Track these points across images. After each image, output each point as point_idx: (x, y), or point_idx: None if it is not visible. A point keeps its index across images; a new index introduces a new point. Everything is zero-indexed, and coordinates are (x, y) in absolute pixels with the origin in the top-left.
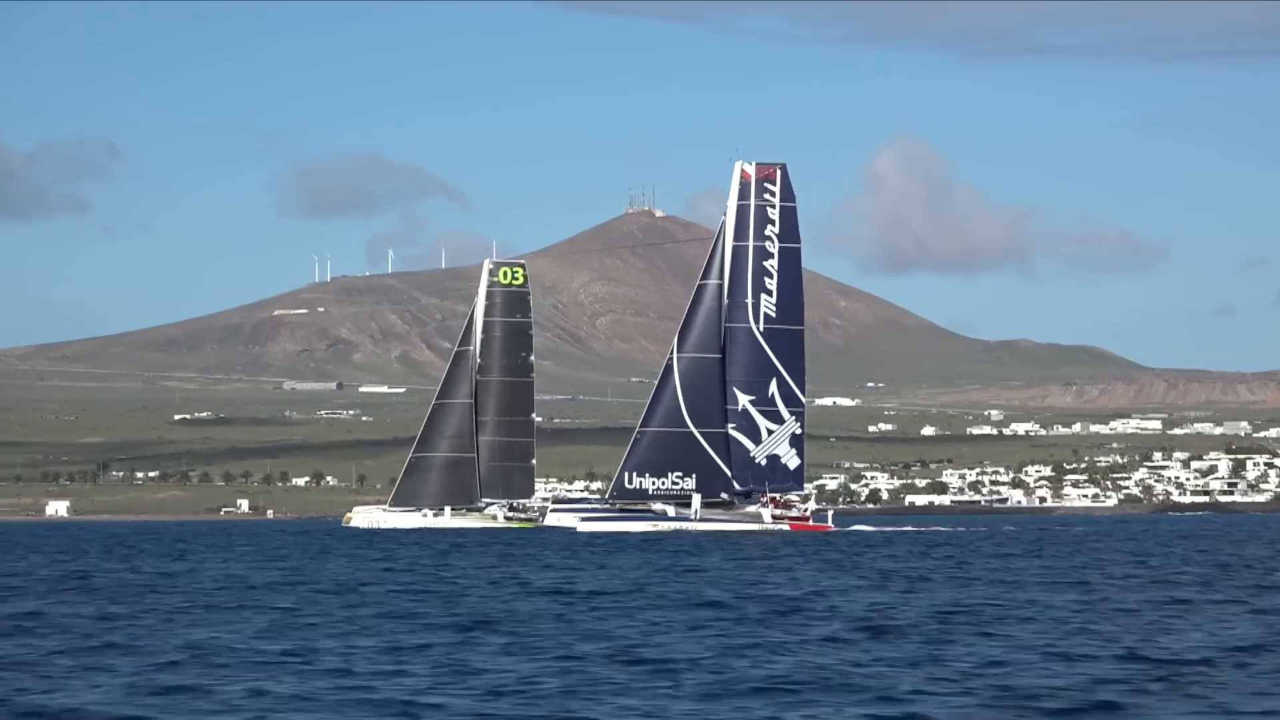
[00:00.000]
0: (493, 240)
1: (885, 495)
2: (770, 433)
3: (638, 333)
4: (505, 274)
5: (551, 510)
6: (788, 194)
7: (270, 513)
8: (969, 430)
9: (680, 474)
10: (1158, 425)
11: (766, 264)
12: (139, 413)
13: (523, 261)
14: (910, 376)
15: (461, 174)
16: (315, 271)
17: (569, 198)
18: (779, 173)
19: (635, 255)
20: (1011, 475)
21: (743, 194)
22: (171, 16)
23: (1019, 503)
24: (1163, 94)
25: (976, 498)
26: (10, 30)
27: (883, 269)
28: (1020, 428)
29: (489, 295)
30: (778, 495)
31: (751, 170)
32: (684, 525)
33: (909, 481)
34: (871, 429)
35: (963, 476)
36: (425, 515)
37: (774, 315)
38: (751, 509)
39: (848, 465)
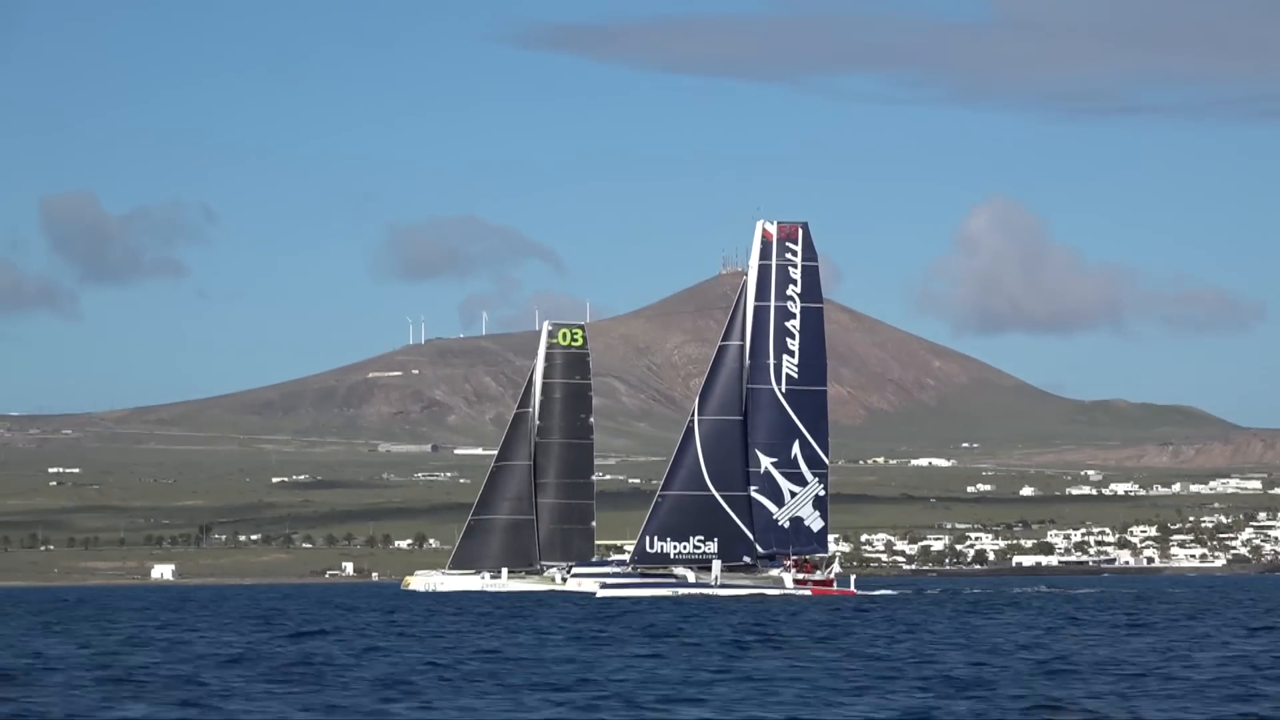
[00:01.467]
0: (586, 301)
1: (991, 556)
2: (793, 495)
3: None
4: (565, 335)
5: (572, 575)
6: (810, 253)
7: (375, 575)
8: (1068, 490)
9: (702, 538)
10: (1258, 485)
11: (789, 324)
12: (237, 476)
13: (582, 324)
14: (1005, 437)
15: (555, 236)
16: (410, 334)
17: (662, 259)
18: (801, 231)
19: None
20: (1117, 536)
21: (764, 254)
22: (266, 82)
23: (1126, 563)
24: (1258, 153)
25: (1084, 558)
26: (107, 95)
27: (976, 329)
28: (1119, 488)
29: (548, 357)
30: (802, 558)
31: (773, 230)
32: (704, 590)
33: (1014, 542)
34: (970, 489)
35: (1067, 537)
36: (484, 578)
37: (796, 376)
38: (774, 573)
39: (950, 526)
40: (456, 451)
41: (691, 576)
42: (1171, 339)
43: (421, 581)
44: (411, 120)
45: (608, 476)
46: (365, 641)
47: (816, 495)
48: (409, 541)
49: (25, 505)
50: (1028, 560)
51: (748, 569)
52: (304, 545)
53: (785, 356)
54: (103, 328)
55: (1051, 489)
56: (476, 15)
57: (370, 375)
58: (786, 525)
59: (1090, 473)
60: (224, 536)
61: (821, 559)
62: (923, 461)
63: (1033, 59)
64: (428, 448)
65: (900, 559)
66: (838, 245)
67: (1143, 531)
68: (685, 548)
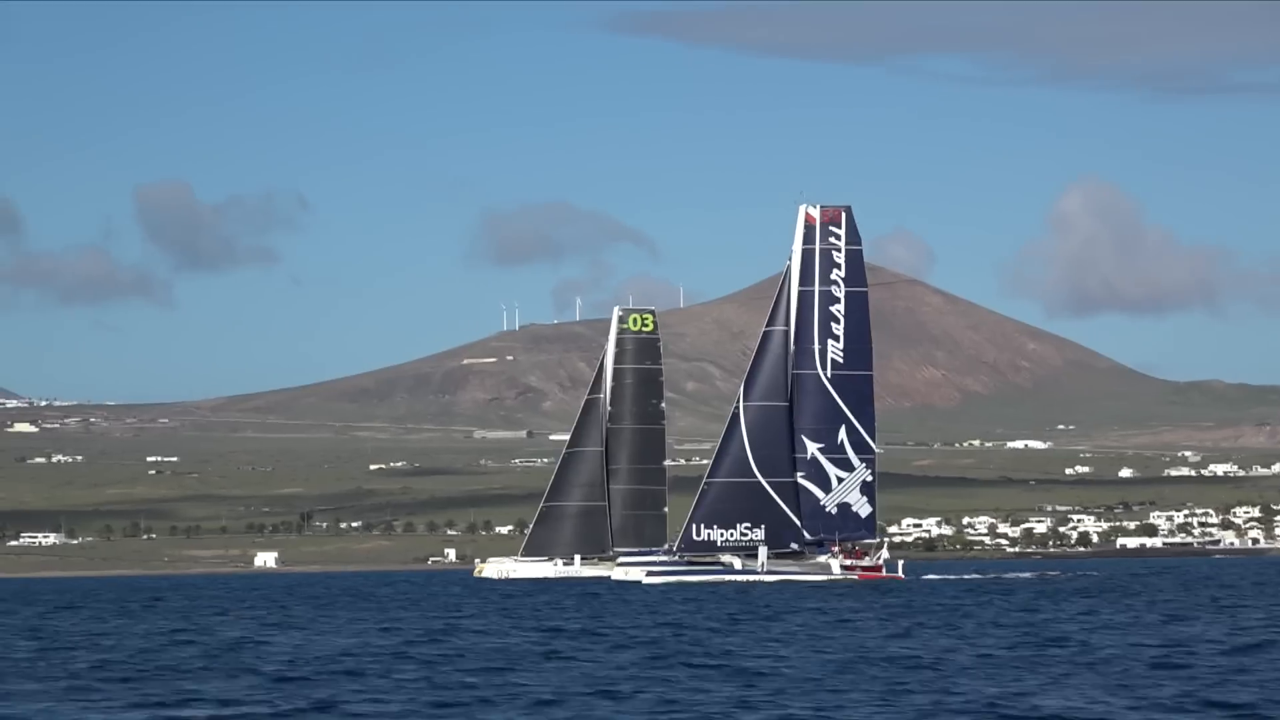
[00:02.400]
0: (680, 286)
1: (1095, 538)
2: (840, 481)
3: None
4: (635, 321)
5: (618, 564)
6: (853, 236)
7: (478, 561)
8: (1167, 472)
9: (749, 525)
10: None
11: (833, 309)
12: (334, 463)
13: (653, 308)
14: (1100, 418)
15: (649, 220)
16: (504, 320)
17: (755, 242)
18: (844, 215)
19: None
20: (1220, 517)
21: (807, 238)
22: (358, 69)
23: (1231, 544)
24: None
25: (1188, 540)
26: (200, 85)
27: (1070, 311)
28: (1218, 469)
29: (619, 342)
30: (850, 544)
31: (816, 213)
32: (750, 577)
33: (1117, 524)
34: (1068, 471)
35: (1170, 519)
36: (557, 565)
37: (841, 361)
38: (822, 559)
39: (1050, 508)
40: (551, 437)
41: (738, 564)
42: (1267, 318)
43: (494, 568)
44: (504, 106)
45: (705, 461)
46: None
47: (864, 481)
48: (510, 528)
49: (126, 494)
50: (1132, 542)
51: (795, 555)
52: (404, 533)
53: (830, 341)
54: (197, 316)
55: (1150, 471)
56: (568, 0)
57: (465, 362)
58: (834, 511)
59: (1188, 454)
60: (325, 524)
61: (870, 545)
62: (1018, 444)
63: (1125, 38)
64: (523, 434)
65: (1003, 541)
66: (930, 228)
67: (1245, 513)
68: (732, 535)
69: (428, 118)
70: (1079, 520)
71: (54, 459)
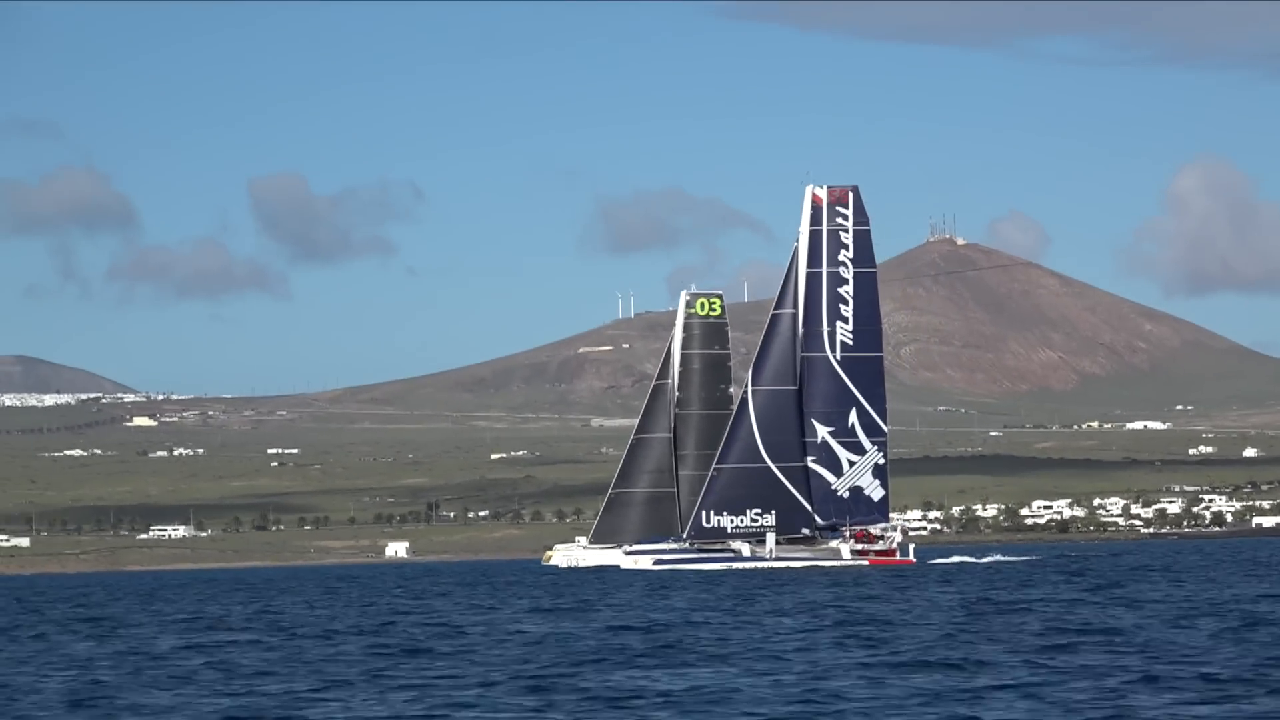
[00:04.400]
0: None
1: (1229, 518)
2: (852, 464)
3: (943, 361)
4: (702, 305)
5: (627, 552)
6: (861, 217)
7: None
8: None
9: (759, 510)
10: None
11: (841, 290)
12: (454, 453)
13: (720, 292)
14: (1219, 398)
15: (762, 206)
16: (619, 308)
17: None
18: (851, 195)
19: (938, 283)
20: None
21: (814, 219)
22: (473, 61)
23: None
24: None
25: None
26: (314, 78)
27: (1187, 290)
28: None
29: (686, 327)
30: (864, 529)
31: (823, 194)
32: (759, 565)
33: (1251, 503)
34: (1192, 452)
35: None
36: (625, 552)
37: (851, 343)
38: (834, 544)
39: (1178, 489)
40: None
41: (746, 550)
42: None
43: (563, 556)
44: (617, 94)
45: None
46: None
47: (876, 464)
48: None
49: (249, 487)
50: (1268, 521)
51: (806, 541)
52: (532, 521)
53: (839, 323)
54: (313, 308)
55: (1274, 450)
56: None
57: (581, 350)
58: (846, 495)
59: None
60: (453, 513)
61: (883, 529)
62: (1138, 425)
63: (1240, 17)
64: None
65: (1137, 522)
66: (1045, 209)
67: None
68: (742, 521)
69: (542, 107)
70: (1210, 500)
71: (175, 452)
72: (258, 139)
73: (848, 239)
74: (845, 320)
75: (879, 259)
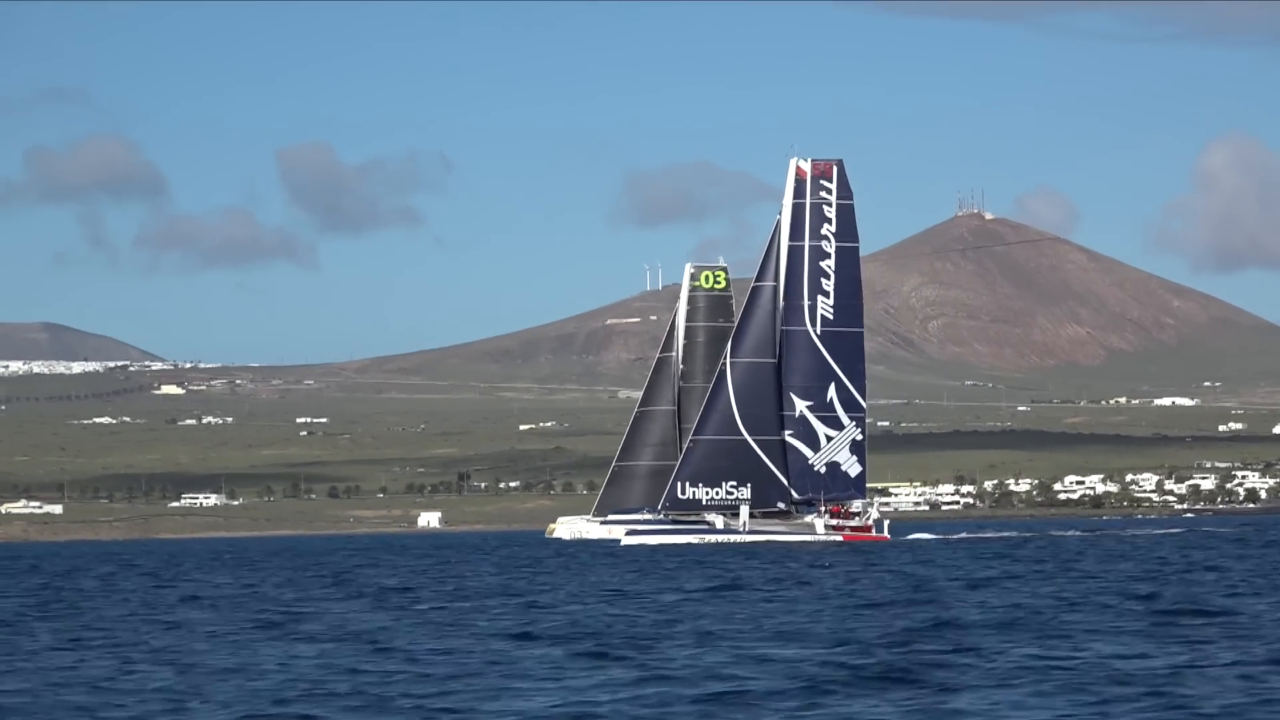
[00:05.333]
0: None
1: (1264, 495)
2: (829, 439)
3: (970, 336)
4: (707, 278)
5: (602, 523)
6: (845, 191)
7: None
8: None
9: (735, 483)
10: None
11: (823, 264)
12: (482, 424)
13: (724, 265)
14: (1247, 375)
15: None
16: (646, 280)
17: (898, 201)
18: (835, 169)
19: (965, 258)
20: None
21: (798, 192)
22: (501, 29)
23: None
24: None
25: None
26: (341, 46)
27: (1215, 267)
28: None
29: (691, 300)
30: (841, 505)
31: (807, 167)
32: (731, 538)
33: None
34: (1222, 428)
35: None
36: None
37: (831, 318)
38: (808, 519)
39: (1210, 465)
40: None
41: (720, 523)
42: None
43: (566, 529)
44: (645, 67)
45: None
46: None
47: (854, 439)
48: None
49: (279, 455)
50: None
51: (782, 515)
52: (564, 492)
53: (820, 297)
54: (340, 278)
55: None
56: None
57: (609, 322)
58: (822, 470)
59: None
60: (484, 484)
61: (860, 504)
62: (1165, 401)
63: None
64: None
65: (1171, 498)
66: (1074, 184)
67: None
68: (718, 494)
69: (572, 78)
70: (1244, 477)
71: (204, 420)
72: (286, 108)
73: (831, 213)
74: (826, 294)
75: (907, 233)
